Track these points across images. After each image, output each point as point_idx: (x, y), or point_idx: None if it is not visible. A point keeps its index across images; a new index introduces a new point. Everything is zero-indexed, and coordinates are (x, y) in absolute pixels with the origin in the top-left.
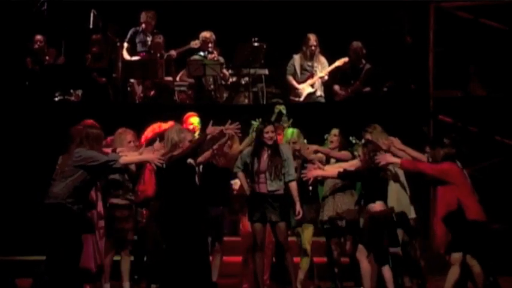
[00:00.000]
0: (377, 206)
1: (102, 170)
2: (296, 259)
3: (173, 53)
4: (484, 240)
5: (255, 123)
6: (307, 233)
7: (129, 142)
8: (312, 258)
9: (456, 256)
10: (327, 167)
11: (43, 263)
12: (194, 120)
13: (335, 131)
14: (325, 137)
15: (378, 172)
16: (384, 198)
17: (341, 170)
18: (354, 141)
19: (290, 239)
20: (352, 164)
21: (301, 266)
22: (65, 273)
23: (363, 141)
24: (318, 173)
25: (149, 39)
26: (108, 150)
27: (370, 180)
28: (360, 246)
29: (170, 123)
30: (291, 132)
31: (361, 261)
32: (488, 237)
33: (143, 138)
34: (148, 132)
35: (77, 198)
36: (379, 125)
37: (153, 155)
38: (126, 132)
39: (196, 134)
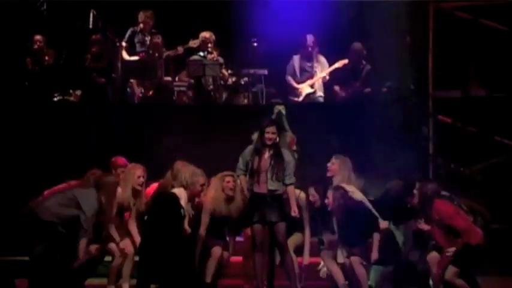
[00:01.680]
0: (382, 224)
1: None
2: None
3: (180, 49)
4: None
5: (279, 107)
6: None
7: (139, 177)
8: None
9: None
10: None
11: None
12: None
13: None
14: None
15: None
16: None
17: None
18: None
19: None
20: None
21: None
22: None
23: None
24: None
25: (148, 39)
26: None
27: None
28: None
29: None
30: None
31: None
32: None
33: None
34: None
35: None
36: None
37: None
38: (136, 167)
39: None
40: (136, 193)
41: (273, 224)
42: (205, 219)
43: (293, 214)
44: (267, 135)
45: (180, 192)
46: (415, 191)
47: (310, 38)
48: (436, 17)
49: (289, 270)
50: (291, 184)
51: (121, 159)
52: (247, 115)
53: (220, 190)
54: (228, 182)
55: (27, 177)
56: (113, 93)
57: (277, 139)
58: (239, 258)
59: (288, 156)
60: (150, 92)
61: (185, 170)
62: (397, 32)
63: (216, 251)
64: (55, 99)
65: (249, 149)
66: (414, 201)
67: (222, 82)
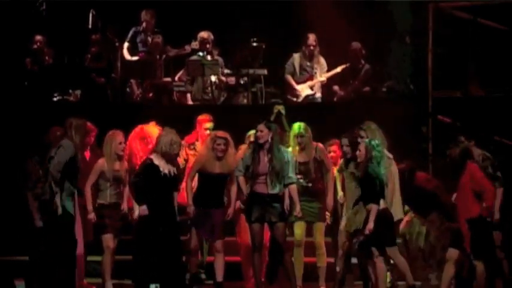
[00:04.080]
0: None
1: None
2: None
3: (172, 52)
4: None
5: (278, 107)
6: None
7: (120, 143)
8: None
9: (452, 252)
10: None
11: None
12: (209, 126)
13: (345, 141)
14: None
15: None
16: (383, 196)
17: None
18: None
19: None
20: None
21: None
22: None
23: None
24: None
25: (150, 39)
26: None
27: (372, 180)
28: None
29: (152, 123)
30: (298, 126)
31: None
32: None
33: (128, 143)
34: (132, 137)
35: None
36: (378, 125)
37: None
38: (116, 133)
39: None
40: (120, 159)
41: (273, 224)
42: (193, 170)
43: (295, 214)
44: (256, 134)
45: (156, 158)
46: None
47: (312, 37)
48: (435, 17)
49: (289, 270)
50: (291, 184)
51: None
52: (246, 115)
53: (210, 149)
54: (219, 144)
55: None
56: (112, 93)
57: (270, 138)
58: (239, 258)
59: (287, 156)
60: (150, 94)
61: (163, 137)
62: (397, 32)
63: (219, 248)
64: (54, 99)
65: (249, 153)
66: None
67: (216, 81)
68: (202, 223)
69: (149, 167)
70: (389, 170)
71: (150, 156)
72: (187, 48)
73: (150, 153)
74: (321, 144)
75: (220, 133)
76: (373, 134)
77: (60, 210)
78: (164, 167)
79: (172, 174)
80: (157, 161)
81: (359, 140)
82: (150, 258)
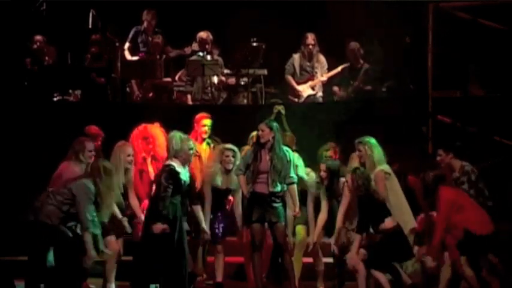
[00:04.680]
0: (387, 223)
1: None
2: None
3: (173, 54)
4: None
5: (278, 107)
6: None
7: (128, 156)
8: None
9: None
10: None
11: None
12: (207, 122)
13: (323, 167)
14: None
15: (371, 197)
16: (389, 214)
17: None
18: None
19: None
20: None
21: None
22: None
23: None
24: (356, 260)
25: (151, 39)
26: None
27: (367, 206)
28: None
29: (156, 124)
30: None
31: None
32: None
33: (130, 141)
34: (135, 135)
35: (68, 218)
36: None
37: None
38: (126, 145)
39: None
40: (127, 172)
41: (273, 224)
42: (207, 191)
43: (294, 214)
44: (258, 133)
45: (172, 163)
46: None
47: (310, 36)
48: (435, 17)
49: (289, 270)
50: (292, 183)
51: (94, 128)
52: (246, 115)
53: (218, 162)
54: (227, 156)
55: (26, 177)
56: (112, 94)
57: (272, 137)
58: (239, 258)
59: (288, 156)
60: (150, 94)
61: (171, 138)
62: (396, 32)
63: (220, 249)
64: (54, 99)
65: (250, 151)
66: None
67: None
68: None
69: (173, 172)
70: (391, 185)
71: (168, 162)
72: (187, 50)
73: (166, 160)
74: None
75: (228, 145)
76: (371, 149)
77: (89, 251)
78: (182, 174)
79: (187, 182)
80: (176, 166)
81: (356, 153)
82: (155, 261)
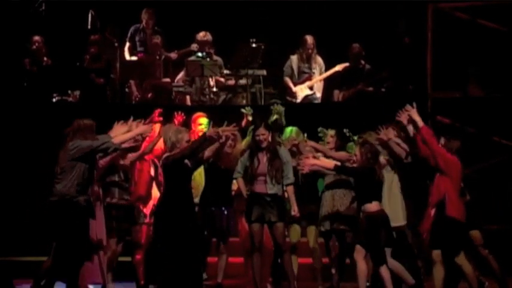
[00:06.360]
0: (373, 206)
1: (99, 153)
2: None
3: (174, 55)
4: (460, 240)
5: (277, 108)
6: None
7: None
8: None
9: (436, 253)
10: (321, 158)
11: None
12: (203, 121)
13: (331, 132)
14: (319, 130)
15: (374, 173)
16: (379, 199)
17: (338, 163)
18: (349, 136)
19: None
20: (342, 156)
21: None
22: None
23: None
24: (314, 162)
25: (149, 38)
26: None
27: (366, 180)
28: (358, 247)
29: (158, 125)
30: (289, 130)
31: (358, 262)
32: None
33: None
34: None
35: (81, 190)
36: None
37: (144, 126)
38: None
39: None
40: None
41: (272, 223)
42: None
43: (293, 213)
44: (257, 138)
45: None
46: None
47: (310, 38)
48: (434, 18)
49: (288, 270)
50: (290, 184)
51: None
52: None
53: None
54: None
55: (26, 177)
56: (111, 94)
57: (270, 139)
58: (239, 259)
59: (286, 157)
60: (149, 95)
61: (167, 130)
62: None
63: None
64: (54, 99)
65: (248, 153)
66: None
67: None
68: (212, 224)
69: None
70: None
71: (167, 154)
72: (193, 47)
73: (165, 153)
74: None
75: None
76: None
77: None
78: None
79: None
80: None
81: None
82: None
